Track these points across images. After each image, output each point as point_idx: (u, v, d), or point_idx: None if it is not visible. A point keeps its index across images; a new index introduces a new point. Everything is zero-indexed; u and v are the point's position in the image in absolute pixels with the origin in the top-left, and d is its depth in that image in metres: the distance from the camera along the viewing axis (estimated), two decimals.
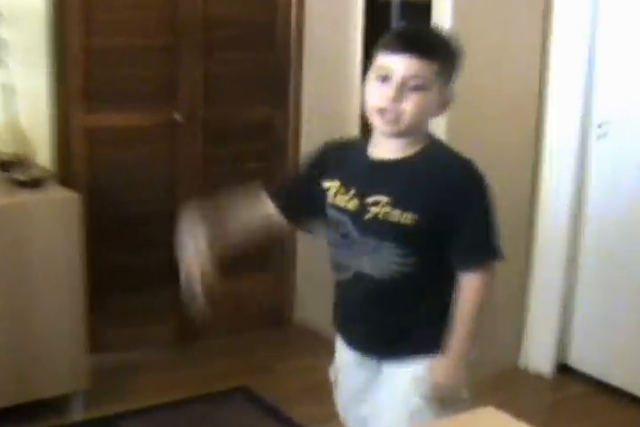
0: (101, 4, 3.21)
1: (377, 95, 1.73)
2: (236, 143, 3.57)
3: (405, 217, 1.75)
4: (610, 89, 3.22)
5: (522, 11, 3.15)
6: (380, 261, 1.80)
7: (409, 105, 1.71)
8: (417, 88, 1.72)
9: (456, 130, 2.95)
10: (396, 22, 3.34)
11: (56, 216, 2.87)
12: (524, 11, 3.15)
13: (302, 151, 3.62)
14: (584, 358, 3.46)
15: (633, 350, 3.28)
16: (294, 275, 3.84)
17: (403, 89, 1.71)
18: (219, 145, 3.55)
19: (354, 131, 3.37)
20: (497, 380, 3.27)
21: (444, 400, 1.82)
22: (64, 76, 3.19)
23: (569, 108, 3.26)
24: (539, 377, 3.48)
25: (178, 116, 3.40)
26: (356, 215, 1.81)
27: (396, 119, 1.73)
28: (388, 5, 3.38)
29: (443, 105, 1.79)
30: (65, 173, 3.21)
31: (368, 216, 1.79)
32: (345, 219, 1.83)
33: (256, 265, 3.70)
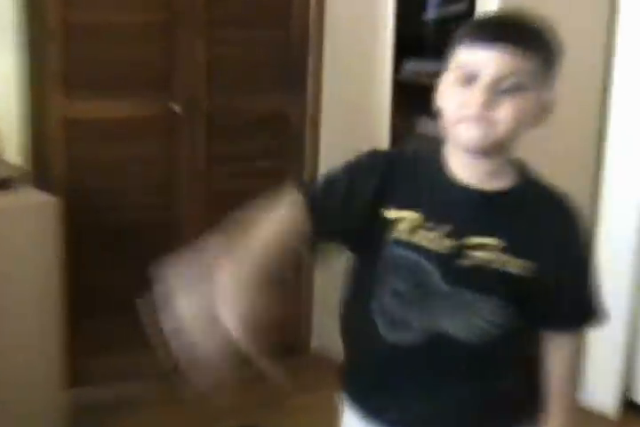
0: None
1: (460, 102, 1.59)
2: (244, 139, 3.46)
3: (520, 266, 1.63)
4: None
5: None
6: (472, 321, 1.65)
7: (504, 112, 1.57)
8: (513, 90, 1.58)
9: None
10: None
11: (29, 224, 2.82)
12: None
13: (322, 148, 3.56)
14: None
15: None
16: (310, 299, 3.79)
17: (494, 92, 1.56)
18: (224, 141, 3.43)
19: (384, 125, 3.35)
20: None
21: None
22: (39, 57, 3.12)
23: (636, 105, 3.19)
24: (602, 417, 3.39)
25: (175, 107, 3.29)
26: (449, 261, 1.64)
27: (487, 131, 1.58)
28: None
29: (542, 113, 1.64)
30: (40, 173, 3.16)
31: (467, 263, 1.64)
32: (426, 264, 1.66)
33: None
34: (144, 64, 3.23)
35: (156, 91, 3.27)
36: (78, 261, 3.12)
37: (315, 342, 3.81)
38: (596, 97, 3.25)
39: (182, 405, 3.18)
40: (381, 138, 3.34)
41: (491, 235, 1.64)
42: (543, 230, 1.66)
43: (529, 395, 1.74)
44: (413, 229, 1.66)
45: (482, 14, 2.97)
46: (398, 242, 1.67)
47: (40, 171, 3.14)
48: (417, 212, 1.66)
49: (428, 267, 1.67)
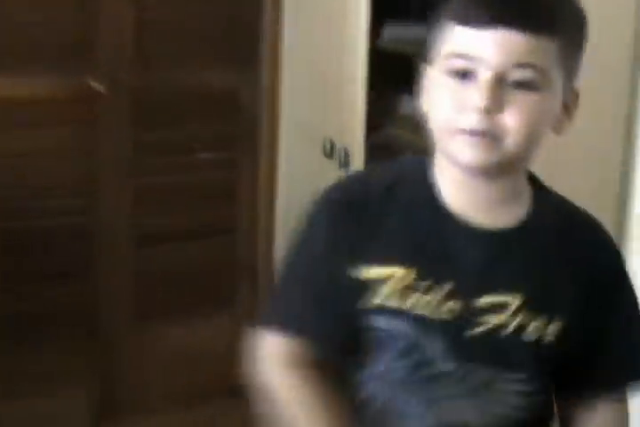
0: None
1: (453, 105, 1.36)
2: (181, 124, 3.18)
3: (549, 329, 1.45)
4: None
5: None
6: (490, 405, 1.46)
7: (514, 117, 1.34)
8: (525, 86, 1.34)
9: None
10: None
11: None
12: None
13: (281, 135, 3.29)
14: None
15: None
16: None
17: (500, 89, 1.33)
18: (156, 127, 3.14)
19: (358, 104, 2.97)
20: None
21: None
22: None
23: None
24: None
25: (95, 84, 3.03)
26: (454, 331, 1.46)
27: (493, 144, 1.35)
28: None
29: (564, 114, 1.41)
30: None
31: (480, 330, 1.44)
32: (424, 336, 1.47)
33: (215, 308, 3.42)
34: (58, 32, 2.93)
35: (71, 65, 2.97)
36: None
37: None
38: (623, 92, 2.95)
39: None
40: (354, 121, 2.98)
41: (507, 289, 1.44)
42: (576, 272, 1.48)
43: None
44: (403, 292, 1.44)
45: None
46: (381, 310, 1.45)
47: None
48: (406, 267, 1.44)
49: (430, 341, 1.46)
